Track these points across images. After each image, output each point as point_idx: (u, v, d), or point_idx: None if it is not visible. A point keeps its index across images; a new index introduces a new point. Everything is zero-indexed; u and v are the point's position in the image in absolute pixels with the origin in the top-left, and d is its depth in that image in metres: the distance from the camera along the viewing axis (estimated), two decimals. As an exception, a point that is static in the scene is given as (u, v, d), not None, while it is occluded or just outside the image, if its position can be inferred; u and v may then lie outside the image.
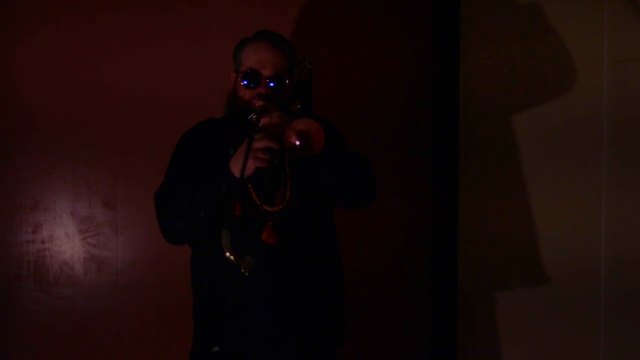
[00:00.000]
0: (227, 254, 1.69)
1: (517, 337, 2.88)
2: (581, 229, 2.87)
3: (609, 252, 2.85)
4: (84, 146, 2.73)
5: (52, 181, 2.73)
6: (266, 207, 1.96)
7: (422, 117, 2.85)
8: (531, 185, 2.87)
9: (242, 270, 1.75)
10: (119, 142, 2.74)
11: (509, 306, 2.88)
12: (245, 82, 2.07)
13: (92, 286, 2.74)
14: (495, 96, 2.87)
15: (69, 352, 2.73)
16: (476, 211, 2.87)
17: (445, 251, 2.83)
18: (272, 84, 2.05)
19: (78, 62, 2.73)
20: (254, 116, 1.94)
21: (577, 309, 2.86)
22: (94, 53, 2.73)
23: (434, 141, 2.84)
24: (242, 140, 1.96)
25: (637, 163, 2.82)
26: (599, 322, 2.87)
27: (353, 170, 2.00)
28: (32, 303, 2.72)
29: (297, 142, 1.80)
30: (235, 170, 1.91)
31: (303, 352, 2.06)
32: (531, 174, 2.87)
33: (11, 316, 2.72)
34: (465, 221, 2.85)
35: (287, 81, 2.08)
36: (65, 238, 2.74)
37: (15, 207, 2.73)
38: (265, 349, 2.03)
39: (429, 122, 2.85)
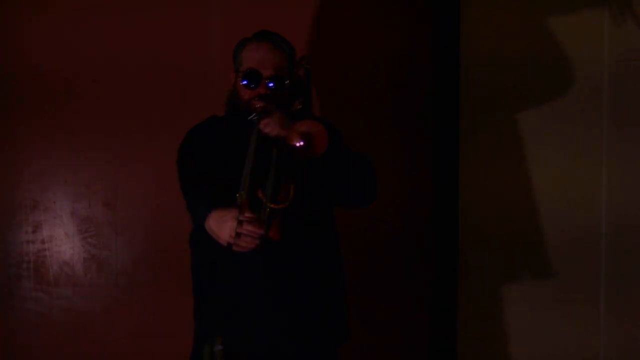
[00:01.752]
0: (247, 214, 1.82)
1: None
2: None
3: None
4: (84, 146, 2.73)
5: (52, 181, 2.74)
6: (270, 205, 1.96)
7: (423, 115, 2.85)
8: (533, 182, 2.87)
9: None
10: (119, 142, 2.74)
11: (512, 305, 2.88)
12: (245, 82, 2.07)
13: (92, 286, 2.74)
14: (495, 96, 2.87)
15: (69, 352, 2.73)
16: (477, 211, 2.87)
17: (445, 250, 2.83)
18: (271, 84, 2.05)
19: (78, 64, 2.73)
20: (255, 117, 1.94)
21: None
22: (94, 55, 2.73)
23: (434, 140, 2.85)
24: (244, 139, 1.96)
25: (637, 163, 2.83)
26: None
27: (354, 172, 2.00)
28: (32, 303, 2.72)
29: (300, 144, 1.80)
30: (219, 234, 1.94)
31: (304, 350, 2.06)
32: (532, 172, 2.87)
33: (11, 316, 2.72)
34: (465, 221, 2.86)
35: (287, 81, 2.08)
36: (65, 238, 2.74)
37: (15, 207, 2.73)
38: (266, 347, 2.03)
39: (429, 121, 2.85)
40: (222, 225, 1.90)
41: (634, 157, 2.81)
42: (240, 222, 1.83)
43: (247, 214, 1.85)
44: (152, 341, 2.74)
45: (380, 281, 2.83)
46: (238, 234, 1.83)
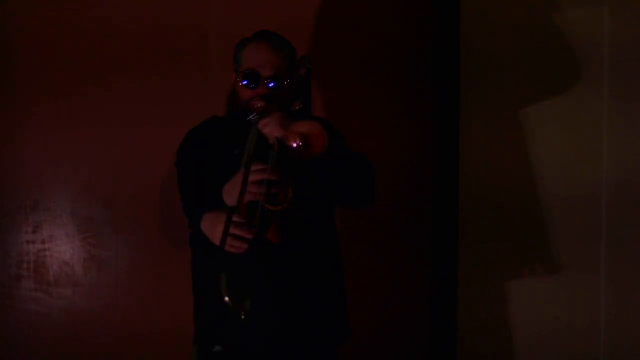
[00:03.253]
0: (226, 298, 1.78)
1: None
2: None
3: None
4: (84, 146, 2.73)
5: (52, 181, 2.74)
6: (269, 207, 1.96)
7: (423, 116, 2.85)
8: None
9: (242, 316, 1.81)
10: (119, 142, 2.74)
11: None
12: (244, 82, 2.07)
13: (92, 286, 2.75)
14: (495, 97, 2.87)
15: (69, 352, 2.73)
16: (477, 209, 2.88)
17: (445, 250, 2.83)
18: (271, 84, 2.05)
19: (77, 63, 2.73)
20: (254, 117, 1.94)
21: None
22: (94, 53, 2.73)
23: (434, 141, 2.85)
24: (243, 140, 1.96)
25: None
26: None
27: (353, 172, 2.00)
28: (32, 303, 2.72)
29: (298, 145, 1.80)
30: (228, 199, 1.93)
31: (303, 350, 2.06)
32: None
33: (11, 316, 2.72)
34: (466, 220, 2.86)
35: (286, 81, 2.08)
36: (65, 238, 2.74)
37: (15, 207, 2.73)
38: (265, 348, 2.03)
39: (429, 121, 2.85)
40: (215, 228, 1.91)
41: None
42: (228, 225, 1.83)
43: (236, 217, 1.85)
44: (152, 341, 2.74)
45: (381, 281, 2.83)
46: (227, 235, 1.83)
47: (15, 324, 2.72)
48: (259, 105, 1.99)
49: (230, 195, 1.92)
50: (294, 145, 1.79)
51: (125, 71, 2.74)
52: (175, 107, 2.72)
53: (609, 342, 2.84)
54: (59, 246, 2.74)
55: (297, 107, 2.01)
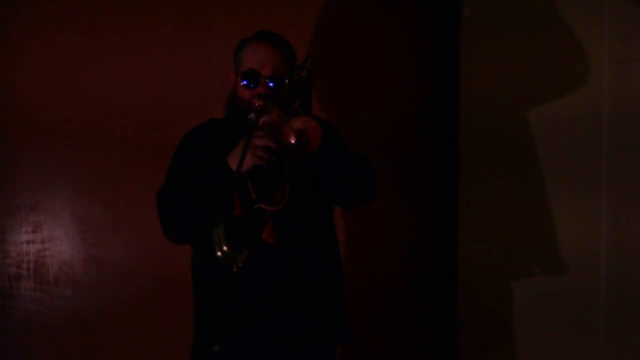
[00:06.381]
0: (225, 247, 1.68)
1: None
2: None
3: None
4: (84, 146, 2.74)
5: (52, 181, 2.74)
6: (264, 206, 1.96)
7: (422, 116, 2.86)
8: (531, 179, 2.87)
9: (239, 264, 1.72)
10: (119, 142, 2.74)
11: (511, 304, 2.88)
12: (244, 82, 2.07)
13: (92, 286, 2.75)
14: (495, 96, 2.88)
15: (69, 352, 2.73)
16: (477, 211, 2.87)
17: (445, 251, 2.84)
18: (271, 84, 2.05)
19: (78, 63, 2.73)
20: (253, 115, 1.95)
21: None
22: (95, 53, 2.73)
23: (434, 141, 2.85)
24: (242, 139, 1.96)
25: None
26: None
27: (351, 169, 2.00)
28: (32, 303, 2.73)
29: (294, 140, 1.80)
30: (232, 164, 1.90)
31: (302, 350, 2.06)
32: (532, 172, 2.87)
33: (11, 316, 2.72)
34: (465, 220, 2.86)
35: (286, 81, 2.08)
36: (65, 238, 2.75)
37: (15, 207, 2.73)
38: (264, 347, 2.03)
39: (429, 122, 2.85)
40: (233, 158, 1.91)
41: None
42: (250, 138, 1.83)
43: (258, 133, 1.86)
44: (152, 341, 2.75)
45: (381, 281, 2.83)
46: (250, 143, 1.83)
47: (15, 324, 2.72)
48: (258, 103, 2.00)
49: (235, 161, 1.89)
50: (293, 141, 1.80)
51: (126, 71, 2.74)
52: (177, 108, 2.73)
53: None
54: (59, 246, 2.74)
55: (297, 107, 2.01)
